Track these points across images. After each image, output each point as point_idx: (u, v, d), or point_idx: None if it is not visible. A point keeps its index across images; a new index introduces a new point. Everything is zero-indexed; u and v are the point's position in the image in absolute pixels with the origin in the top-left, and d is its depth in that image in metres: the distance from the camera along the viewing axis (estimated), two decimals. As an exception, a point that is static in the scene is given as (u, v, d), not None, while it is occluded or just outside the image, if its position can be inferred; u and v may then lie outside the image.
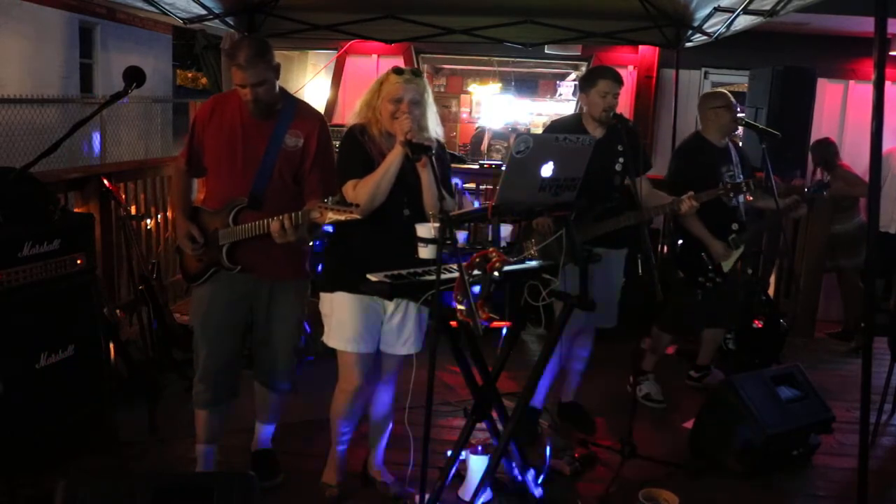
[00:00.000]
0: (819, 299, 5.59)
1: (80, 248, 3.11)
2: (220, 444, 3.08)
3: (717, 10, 4.58)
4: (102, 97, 11.35)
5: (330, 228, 2.66)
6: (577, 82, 8.98)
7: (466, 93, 12.10)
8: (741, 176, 3.96)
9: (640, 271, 3.45)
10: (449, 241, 2.26)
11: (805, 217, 5.37)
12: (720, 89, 4.30)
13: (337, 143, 2.85)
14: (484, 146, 10.60)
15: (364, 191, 2.62)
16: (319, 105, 7.64)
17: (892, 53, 6.40)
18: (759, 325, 4.76)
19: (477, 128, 11.31)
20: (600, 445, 3.54)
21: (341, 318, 2.79)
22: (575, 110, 7.41)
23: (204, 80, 14.67)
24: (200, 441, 3.02)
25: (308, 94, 8.70)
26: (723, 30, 4.90)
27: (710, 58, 7.21)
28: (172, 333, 4.19)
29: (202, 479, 2.46)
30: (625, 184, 3.56)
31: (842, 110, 7.52)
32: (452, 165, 3.02)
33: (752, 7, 4.24)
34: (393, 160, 2.61)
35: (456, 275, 2.26)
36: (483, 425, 2.85)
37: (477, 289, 2.37)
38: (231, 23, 5.29)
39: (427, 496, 2.58)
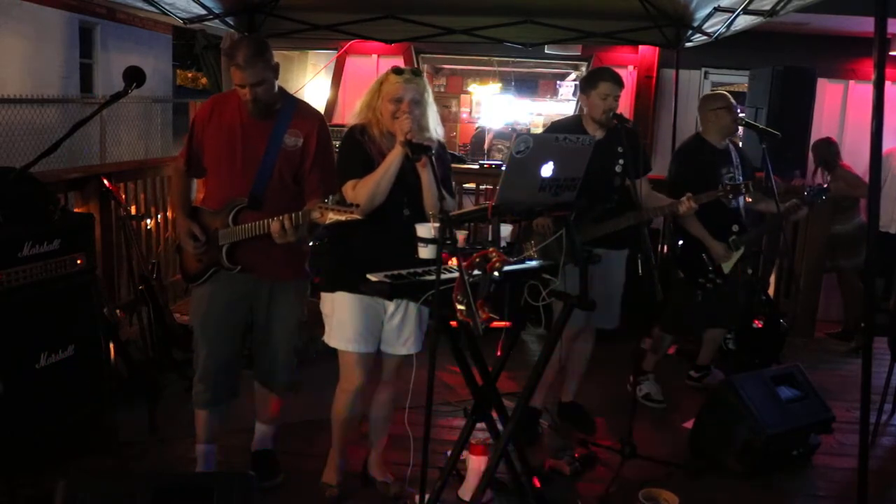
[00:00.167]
0: (819, 299, 5.59)
1: (80, 248, 3.10)
2: (220, 444, 3.08)
3: (717, 10, 4.58)
4: (102, 97, 11.34)
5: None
6: (577, 82, 8.99)
7: (466, 93, 12.09)
8: (741, 177, 3.96)
9: (640, 272, 3.44)
10: (449, 241, 2.26)
11: (805, 217, 5.37)
12: (720, 90, 4.30)
13: (337, 144, 2.85)
14: (487, 146, 10.60)
15: (364, 190, 2.62)
16: (319, 105, 7.64)
17: (892, 53, 6.40)
18: (759, 325, 4.76)
19: (477, 128, 11.31)
20: (600, 445, 3.54)
21: (342, 317, 2.79)
22: (575, 110, 7.41)
23: (204, 80, 14.67)
24: (200, 441, 3.02)
25: (308, 94, 8.70)
26: (723, 30, 4.90)
27: (710, 58, 7.21)
28: (172, 333, 4.19)
29: (202, 479, 2.46)
30: (625, 185, 3.56)
31: (842, 110, 7.52)
32: (452, 166, 3.02)
33: (752, 7, 4.24)
34: (393, 160, 2.61)
35: (456, 275, 2.26)
36: (483, 425, 2.85)
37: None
38: (231, 23, 5.29)
39: (427, 496, 2.58)
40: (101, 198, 4.30)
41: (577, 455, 3.38)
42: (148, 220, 5.07)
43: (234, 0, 5.11)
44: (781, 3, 3.99)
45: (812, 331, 5.52)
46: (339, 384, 2.90)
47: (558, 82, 11.81)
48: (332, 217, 2.44)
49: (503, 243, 2.47)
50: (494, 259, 2.34)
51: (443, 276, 2.27)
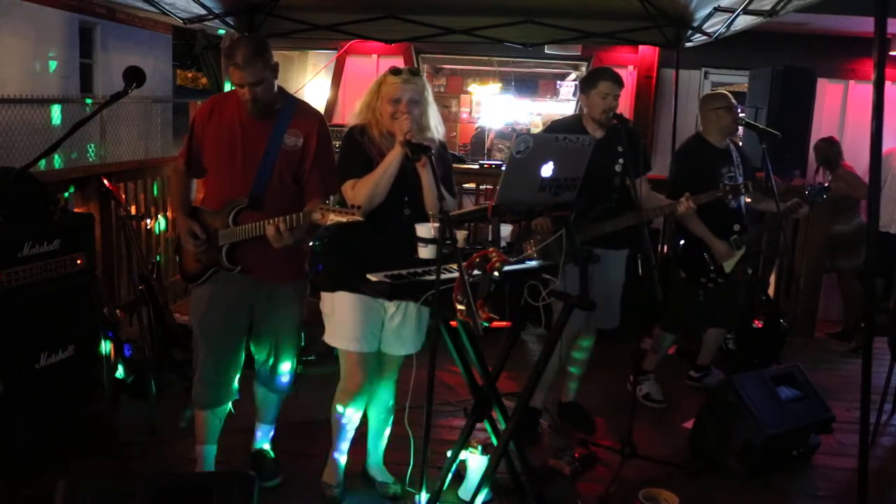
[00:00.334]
0: (819, 299, 5.59)
1: (80, 248, 3.11)
2: (220, 444, 3.08)
3: (717, 10, 4.58)
4: (102, 97, 11.34)
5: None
6: (577, 82, 8.98)
7: (466, 93, 12.09)
8: (742, 177, 3.96)
9: (639, 271, 3.45)
10: (449, 241, 2.26)
11: (805, 217, 5.37)
12: (721, 90, 4.30)
13: (337, 144, 2.85)
14: (487, 146, 10.60)
15: (363, 190, 2.62)
16: (319, 105, 7.64)
17: (892, 53, 6.40)
18: (759, 325, 4.76)
19: (477, 128, 11.31)
20: (600, 445, 3.54)
21: (343, 317, 2.78)
22: (575, 110, 7.42)
23: (204, 80, 14.68)
24: (200, 441, 3.01)
25: (308, 94, 8.70)
26: (723, 30, 4.90)
27: (710, 58, 7.22)
28: (172, 333, 4.19)
29: (202, 479, 2.46)
30: (625, 184, 3.56)
31: (842, 110, 7.52)
32: (452, 166, 3.02)
33: (752, 7, 4.24)
34: (392, 160, 2.60)
35: (456, 275, 2.26)
36: (483, 425, 2.85)
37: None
38: (231, 23, 5.29)
39: (427, 496, 2.58)
40: (101, 198, 4.30)
41: (577, 455, 3.38)
42: (148, 220, 5.07)
43: (234, 0, 5.11)
44: (781, 3, 3.99)
45: (812, 331, 5.52)
46: (340, 383, 2.90)
47: (558, 82, 11.82)
48: (333, 218, 2.44)
49: (503, 243, 2.47)
50: (494, 259, 2.34)
51: (443, 276, 2.27)
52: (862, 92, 7.33)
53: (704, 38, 5.24)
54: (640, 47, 7.30)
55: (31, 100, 9.59)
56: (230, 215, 2.78)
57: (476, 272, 2.35)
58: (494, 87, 11.48)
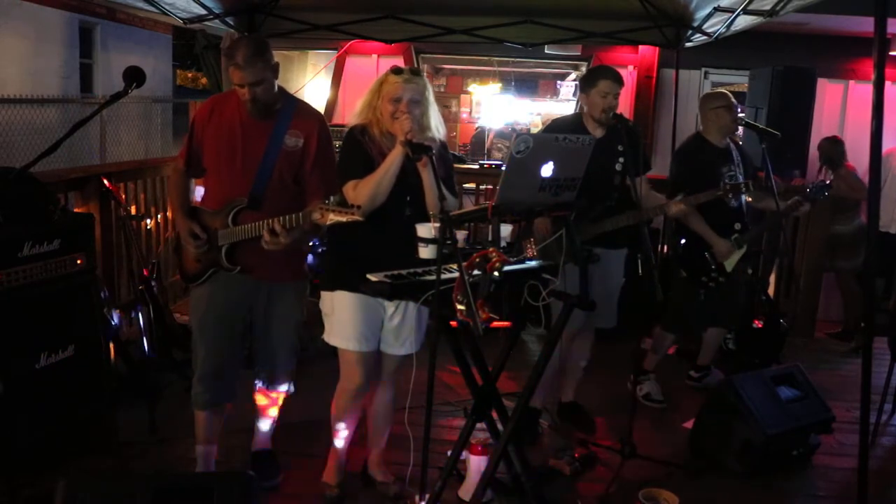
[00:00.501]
0: (819, 299, 5.59)
1: (80, 248, 3.10)
2: (220, 444, 3.08)
3: (717, 10, 4.58)
4: (102, 97, 11.34)
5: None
6: (577, 82, 8.99)
7: (466, 93, 12.09)
8: (742, 175, 3.96)
9: (639, 271, 3.45)
10: (449, 241, 2.26)
11: (805, 216, 5.37)
12: (721, 89, 4.30)
13: (337, 144, 2.85)
14: (487, 146, 10.60)
15: (364, 191, 2.62)
16: (319, 105, 7.64)
17: (892, 53, 6.40)
18: (759, 325, 4.76)
19: (477, 128, 11.31)
20: (600, 445, 3.54)
21: (342, 316, 2.78)
22: (575, 110, 7.42)
23: (204, 80, 14.67)
24: (200, 442, 3.01)
25: (308, 94, 8.70)
26: (723, 30, 4.90)
27: (710, 58, 7.22)
28: (172, 333, 4.19)
29: (202, 479, 2.46)
30: (625, 184, 3.56)
31: (842, 110, 7.52)
32: (453, 166, 3.02)
33: (752, 7, 4.24)
34: (393, 160, 2.60)
35: (456, 275, 2.26)
36: (483, 425, 2.85)
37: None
38: (231, 23, 5.29)
39: (427, 496, 2.58)
40: (101, 198, 4.30)
41: (577, 455, 3.38)
42: (148, 220, 5.07)
43: (234, 0, 5.11)
44: (781, 3, 3.99)
45: (812, 331, 5.52)
46: (340, 383, 2.90)
47: (558, 82, 11.81)
48: (332, 218, 2.43)
49: (503, 243, 2.46)
50: (494, 259, 2.34)
51: (443, 276, 2.27)
52: (862, 92, 7.33)
53: (704, 38, 5.24)
54: (640, 47, 7.30)
55: (31, 100, 9.59)
56: (230, 215, 2.78)
57: (476, 272, 2.35)
58: (494, 87, 11.48)
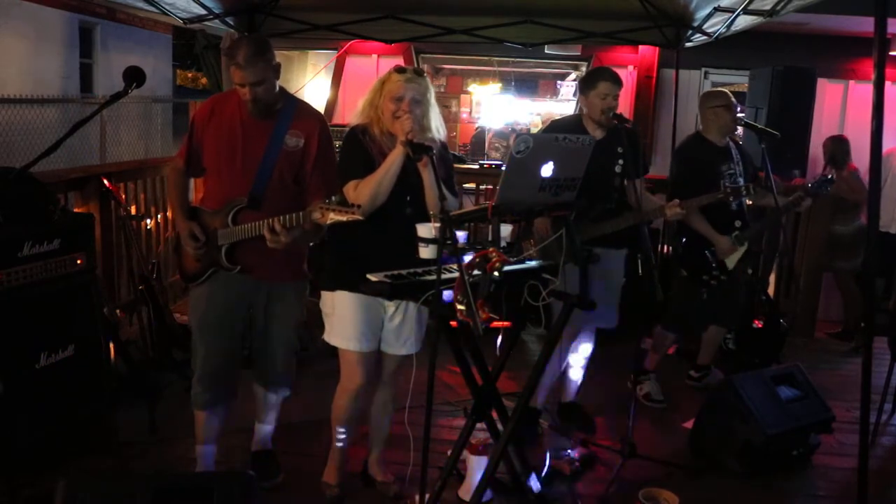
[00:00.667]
0: (819, 299, 5.59)
1: (80, 248, 3.10)
2: (220, 444, 3.08)
3: (717, 10, 4.58)
4: (102, 97, 11.34)
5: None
6: (577, 82, 9.00)
7: (466, 93, 12.09)
8: (742, 174, 3.96)
9: (639, 271, 3.45)
10: (449, 241, 2.26)
11: (805, 215, 5.38)
12: (721, 89, 4.30)
13: (337, 144, 2.85)
14: (487, 146, 10.61)
15: (365, 191, 2.62)
16: (319, 105, 7.64)
17: (892, 53, 6.40)
18: (759, 325, 4.76)
19: (477, 128, 11.31)
20: (600, 445, 3.54)
21: (343, 316, 2.78)
22: (575, 110, 7.42)
23: (204, 80, 14.67)
24: (200, 442, 3.01)
25: (308, 94, 8.70)
26: (723, 30, 4.91)
27: (710, 58, 7.23)
28: (172, 333, 4.19)
29: (202, 479, 2.46)
30: (624, 185, 3.56)
31: (842, 110, 7.53)
32: (454, 166, 3.02)
33: (752, 7, 4.24)
34: (394, 160, 2.60)
35: (456, 275, 2.26)
36: (483, 425, 2.85)
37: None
38: (231, 23, 5.29)
39: (427, 496, 2.58)
40: (101, 198, 4.30)
41: (577, 455, 3.38)
42: (148, 220, 5.07)
43: (234, 0, 5.11)
44: (781, 3, 3.99)
45: (812, 331, 5.51)
46: (341, 383, 2.90)
47: (558, 82, 11.82)
48: (333, 218, 2.43)
49: (503, 243, 2.46)
50: (494, 259, 2.34)
51: (443, 276, 2.27)
52: (862, 92, 7.33)
53: (704, 38, 5.24)
54: (640, 47, 7.30)
55: (31, 100, 9.59)
56: (229, 215, 2.77)
57: (476, 272, 2.35)
58: (494, 87, 11.48)
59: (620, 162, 3.49)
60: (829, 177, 3.91)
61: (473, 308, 2.20)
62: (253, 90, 2.68)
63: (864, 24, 5.99)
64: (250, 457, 3.22)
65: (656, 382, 4.21)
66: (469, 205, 5.49)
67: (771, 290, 5.56)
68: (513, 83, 11.15)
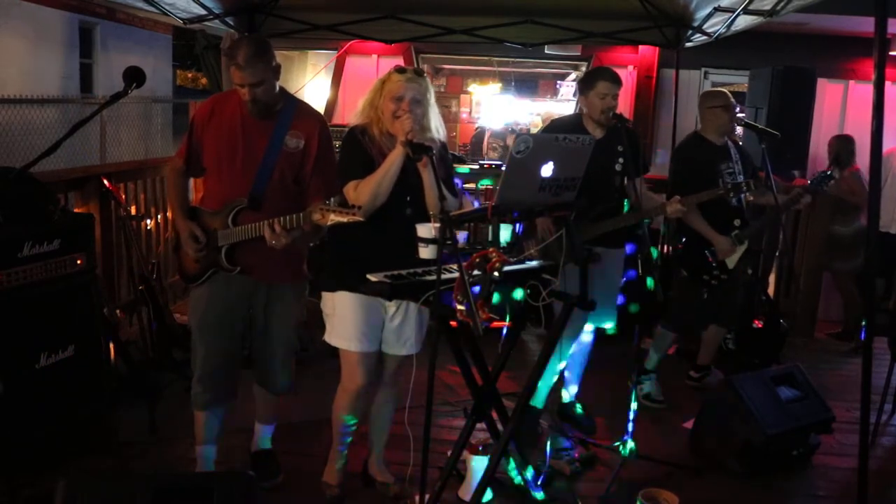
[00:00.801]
0: (819, 299, 5.59)
1: (80, 248, 3.10)
2: (220, 444, 3.08)
3: (717, 10, 4.58)
4: (102, 97, 11.34)
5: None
6: (577, 82, 9.00)
7: (466, 93, 12.09)
8: (741, 172, 3.97)
9: (639, 271, 3.45)
10: (449, 242, 2.26)
11: (805, 215, 5.37)
12: (720, 89, 4.30)
13: (337, 144, 2.85)
14: (485, 146, 10.61)
15: (365, 191, 2.62)
16: (319, 105, 7.64)
17: (892, 53, 6.40)
18: (759, 325, 4.76)
19: (477, 128, 11.31)
20: (600, 445, 3.54)
21: (344, 316, 2.78)
22: (575, 110, 7.42)
23: (204, 80, 14.67)
24: (200, 442, 3.01)
25: (308, 94, 8.70)
26: (723, 30, 4.91)
27: (710, 58, 7.23)
28: (172, 333, 4.19)
29: (202, 479, 2.46)
30: (624, 184, 3.57)
31: (842, 110, 7.53)
32: (453, 166, 3.02)
33: (752, 7, 4.24)
34: (394, 160, 2.60)
35: (456, 275, 2.26)
36: (483, 425, 2.85)
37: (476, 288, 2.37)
38: (231, 23, 5.29)
39: (427, 496, 2.58)
40: (101, 198, 4.30)
41: (577, 455, 3.38)
42: (148, 220, 5.07)
43: (234, 0, 5.11)
44: (781, 3, 3.99)
45: (812, 331, 5.51)
46: (342, 383, 2.90)
47: (558, 82, 11.82)
48: (333, 219, 2.43)
49: (503, 243, 2.47)
50: (494, 259, 2.34)
51: (443, 276, 2.27)
52: (862, 92, 7.33)
53: (704, 38, 5.24)
54: (640, 47, 7.30)
55: (31, 100, 9.59)
56: (230, 216, 2.77)
57: (476, 272, 2.35)
58: (494, 87, 11.48)
59: (620, 161, 3.50)
60: (828, 172, 3.90)
61: (473, 308, 2.20)
62: (252, 91, 2.68)
63: (864, 24, 5.99)
64: (250, 457, 3.22)
65: (656, 382, 4.21)
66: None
67: (771, 290, 5.56)
68: (513, 83, 11.15)
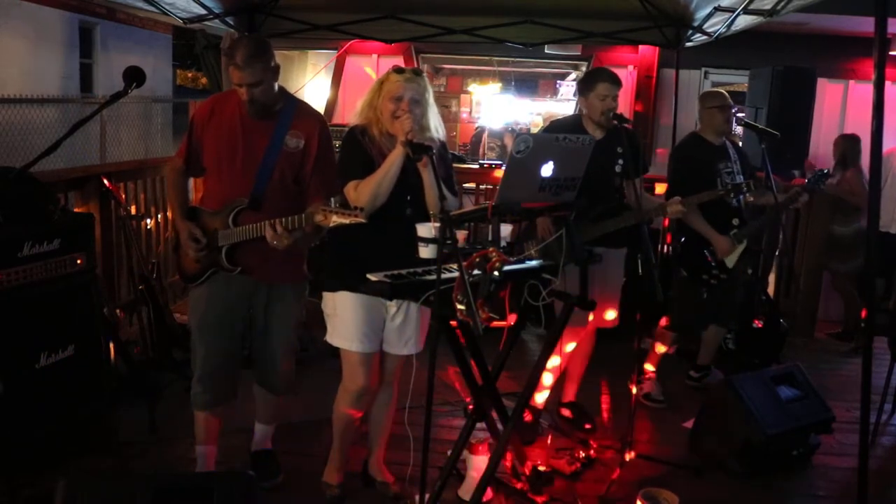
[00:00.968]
0: (819, 299, 5.59)
1: (80, 248, 3.10)
2: (220, 444, 3.08)
3: (718, 9, 4.58)
4: (102, 97, 11.35)
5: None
6: (577, 82, 9.02)
7: (466, 93, 12.11)
8: (740, 172, 3.97)
9: (639, 271, 3.45)
10: (449, 241, 2.26)
11: (805, 215, 5.37)
12: (719, 89, 4.30)
13: (337, 144, 2.85)
14: (483, 146, 10.62)
15: (365, 191, 2.62)
16: (319, 105, 7.64)
17: (892, 53, 6.40)
18: (759, 325, 4.76)
19: (477, 128, 11.32)
20: (600, 445, 3.54)
21: (345, 317, 2.78)
22: (575, 110, 7.42)
23: (204, 80, 14.67)
24: (200, 442, 3.01)
25: (308, 94, 8.70)
26: (723, 30, 4.91)
27: (710, 58, 7.23)
28: (172, 333, 4.19)
29: (202, 479, 2.46)
30: (624, 184, 3.57)
31: (842, 110, 7.53)
32: (453, 166, 3.02)
33: (752, 7, 4.25)
34: (394, 160, 2.60)
35: (456, 275, 2.26)
36: (483, 425, 2.85)
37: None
38: (231, 23, 5.29)
39: (427, 496, 2.58)
40: (101, 198, 4.30)
41: (577, 455, 3.38)
42: (148, 220, 5.07)
43: (234, 0, 5.11)
44: (781, 3, 3.99)
45: (812, 331, 5.51)
46: (343, 383, 2.89)
47: (558, 82, 11.84)
48: (335, 220, 2.43)
49: (503, 243, 2.47)
50: (494, 259, 2.34)
51: (443, 276, 2.27)
52: (862, 92, 7.34)
53: (704, 37, 5.24)
54: (640, 47, 7.30)
55: (31, 100, 9.59)
56: (230, 216, 2.77)
57: (476, 272, 2.35)
58: (494, 87, 11.49)
59: (620, 161, 3.50)
60: (826, 171, 3.91)
61: (473, 308, 2.20)
62: (250, 91, 2.68)
63: (864, 24, 5.99)
64: (250, 457, 3.22)
65: (656, 382, 4.21)
66: (469, 205, 5.49)
67: (771, 290, 5.56)
68: (513, 83, 11.16)
